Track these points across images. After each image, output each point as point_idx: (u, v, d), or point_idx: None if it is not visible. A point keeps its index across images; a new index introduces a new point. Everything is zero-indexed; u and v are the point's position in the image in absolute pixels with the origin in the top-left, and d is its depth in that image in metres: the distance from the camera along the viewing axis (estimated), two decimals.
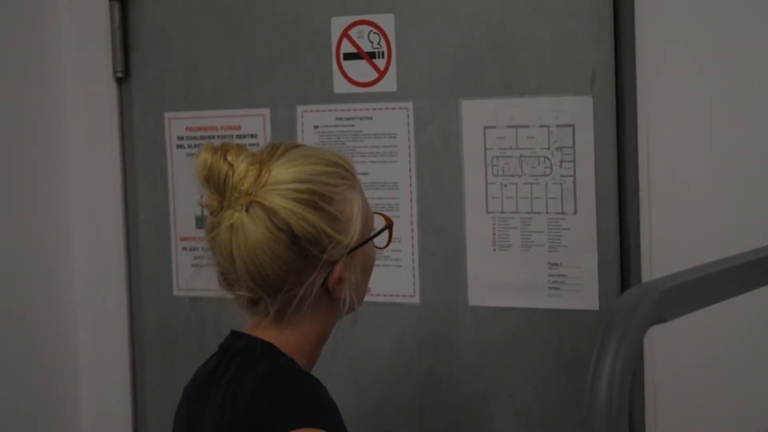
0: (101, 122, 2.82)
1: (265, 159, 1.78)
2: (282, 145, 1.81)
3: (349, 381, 2.59)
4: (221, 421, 1.74)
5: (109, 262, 2.83)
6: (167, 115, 2.77)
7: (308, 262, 1.74)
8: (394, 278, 2.53)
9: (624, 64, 2.30)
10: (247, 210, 1.73)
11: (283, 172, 1.75)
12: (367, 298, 2.50)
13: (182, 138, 2.75)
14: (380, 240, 1.87)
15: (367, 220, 1.82)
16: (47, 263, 2.82)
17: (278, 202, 1.73)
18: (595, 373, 0.99)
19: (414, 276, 2.51)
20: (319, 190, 1.75)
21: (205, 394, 1.82)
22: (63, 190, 2.85)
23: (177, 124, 2.76)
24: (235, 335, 1.85)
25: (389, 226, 1.88)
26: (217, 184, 1.76)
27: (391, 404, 2.56)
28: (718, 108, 2.19)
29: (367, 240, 1.82)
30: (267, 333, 1.80)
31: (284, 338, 1.80)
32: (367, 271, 1.85)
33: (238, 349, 1.81)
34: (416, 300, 2.52)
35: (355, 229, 1.78)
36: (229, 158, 1.76)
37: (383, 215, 1.89)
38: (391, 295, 2.54)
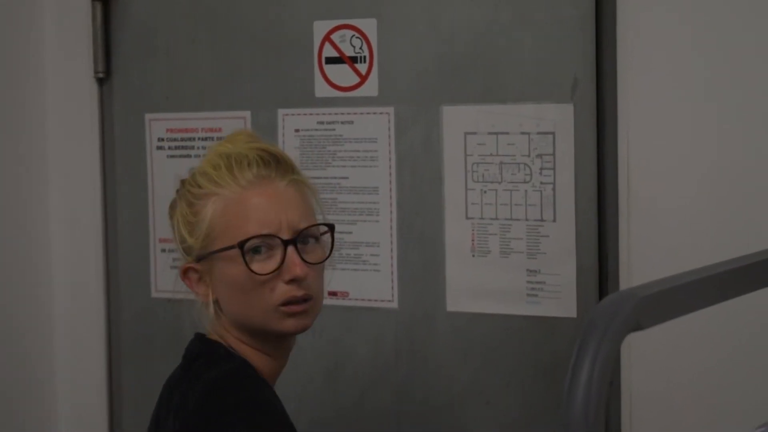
0: (82, 122, 2.81)
1: None
2: (236, 133, 1.91)
3: (326, 385, 2.59)
4: (174, 426, 1.75)
5: (88, 263, 2.82)
6: (148, 116, 2.77)
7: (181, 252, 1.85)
8: (373, 283, 2.53)
9: (605, 72, 2.31)
10: None
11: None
12: (345, 302, 2.52)
13: (162, 139, 2.74)
14: (257, 266, 1.76)
15: (223, 234, 1.78)
16: (26, 263, 2.80)
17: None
18: (572, 380, 0.99)
19: (392, 281, 2.51)
20: (191, 187, 1.82)
21: (168, 398, 1.83)
22: (43, 189, 2.84)
23: (158, 125, 2.75)
24: (196, 337, 1.87)
25: (238, 246, 1.76)
26: None
27: (368, 409, 2.56)
28: (698, 117, 2.20)
29: (208, 254, 1.79)
30: (214, 328, 1.84)
31: (221, 331, 1.83)
32: (232, 288, 1.79)
33: (196, 353, 1.84)
34: (394, 305, 2.52)
35: (198, 237, 1.80)
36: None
37: (254, 237, 1.77)
38: (369, 300, 2.54)
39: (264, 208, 1.77)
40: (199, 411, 1.70)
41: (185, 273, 1.84)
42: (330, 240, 1.85)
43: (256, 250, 1.76)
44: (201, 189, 1.80)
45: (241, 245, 1.75)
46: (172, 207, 1.88)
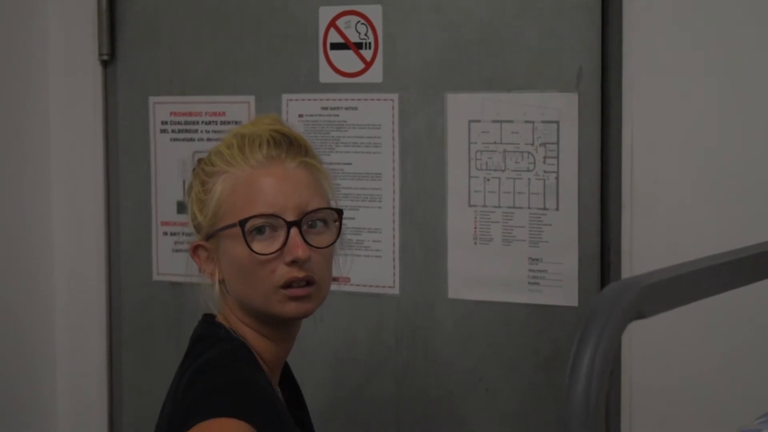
0: (85, 105, 2.81)
1: None
2: (262, 116, 1.91)
3: (326, 370, 2.59)
4: (168, 406, 1.76)
5: (90, 245, 2.82)
6: (152, 99, 2.76)
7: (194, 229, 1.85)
8: (375, 269, 2.53)
9: (610, 62, 2.31)
10: None
11: None
12: (346, 288, 2.52)
13: (166, 123, 2.74)
14: (259, 246, 1.76)
15: (230, 213, 1.78)
16: (28, 245, 2.80)
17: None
18: (573, 367, 0.99)
19: (394, 267, 2.51)
20: (205, 166, 1.83)
21: (173, 380, 1.84)
22: (45, 172, 2.83)
23: (161, 108, 2.75)
24: (202, 319, 1.88)
25: (239, 224, 1.76)
26: None
27: (368, 395, 2.57)
28: (702, 108, 2.20)
29: (215, 231, 1.79)
30: (220, 308, 1.85)
31: (226, 312, 1.84)
32: (235, 267, 1.79)
33: (198, 335, 1.84)
34: (396, 291, 2.52)
35: (206, 215, 1.80)
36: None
37: (256, 216, 1.77)
38: (370, 286, 2.54)
39: (271, 189, 1.77)
40: (187, 392, 1.69)
41: (195, 250, 1.84)
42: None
43: (259, 230, 1.75)
44: (213, 167, 1.81)
45: (242, 223, 1.75)
46: (189, 186, 1.88)
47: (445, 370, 2.49)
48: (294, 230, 1.75)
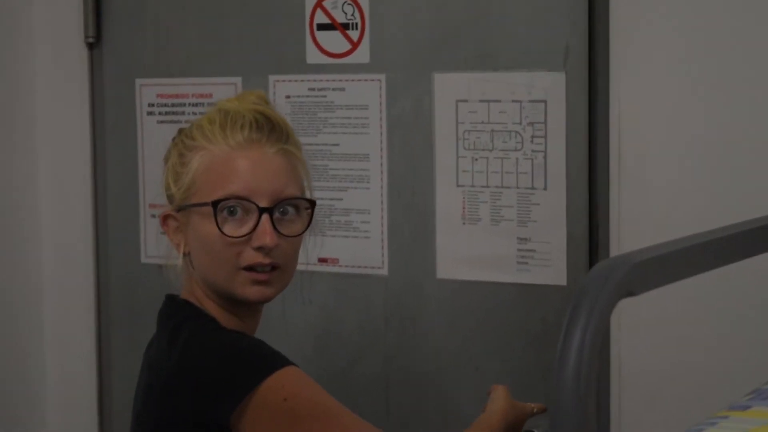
0: (72, 87, 2.81)
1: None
2: (248, 92, 1.91)
3: (315, 351, 2.59)
4: (152, 386, 1.78)
5: (77, 228, 2.82)
6: (138, 81, 2.76)
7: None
8: (363, 249, 2.53)
9: (597, 41, 2.31)
10: None
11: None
12: (335, 269, 2.52)
13: (153, 105, 2.74)
14: (229, 228, 1.77)
15: (203, 190, 1.78)
16: (15, 228, 2.80)
17: None
18: (564, 345, 0.99)
19: (383, 248, 2.51)
20: (186, 138, 1.83)
21: (144, 358, 1.88)
22: (32, 155, 2.83)
23: (148, 90, 2.74)
24: (166, 299, 1.90)
25: (212, 204, 1.77)
26: None
27: (357, 375, 2.57)
28: (690, 87, 2.19)
29: (186, 206, 1.80)
30: (185, 284, 1.86)
31: (192, 286, 1.84)
32: (202, 244, 1.80)
33: (164, 315, 1.87)
34: (384, 272, 2.52)
35: (180, 188, 1.81)
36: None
37: (229, 198, 1.77)
38: (359, 267, 2.54)
39: (246, 172, 1.77)
40: (189, 372, 1.71)
41: (165, 220, 1.85)
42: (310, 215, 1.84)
43: (231, 212, 1.76)
44: (193, 141, 1.81)
45: (214, 204, 1.76)
46: (167, 155, 1.88)
47: (434, 350, 2.49)
48: (265, 217, 1.76)
